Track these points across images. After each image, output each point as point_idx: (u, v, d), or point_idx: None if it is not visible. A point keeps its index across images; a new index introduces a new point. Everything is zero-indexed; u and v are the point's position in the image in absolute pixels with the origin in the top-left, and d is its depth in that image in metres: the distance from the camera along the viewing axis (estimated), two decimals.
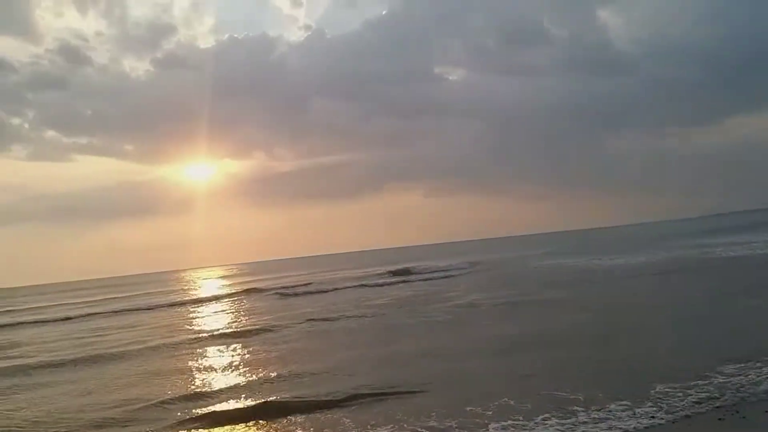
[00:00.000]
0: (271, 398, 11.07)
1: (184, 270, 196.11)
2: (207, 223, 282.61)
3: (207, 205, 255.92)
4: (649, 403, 8.81)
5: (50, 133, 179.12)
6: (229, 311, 31.47)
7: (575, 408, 8.89)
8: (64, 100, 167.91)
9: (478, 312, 21.17)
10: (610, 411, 8.66)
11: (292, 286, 43.58)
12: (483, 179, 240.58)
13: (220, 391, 12.28)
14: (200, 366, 15.50)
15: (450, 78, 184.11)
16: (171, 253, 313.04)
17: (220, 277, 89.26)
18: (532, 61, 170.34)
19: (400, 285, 37.67)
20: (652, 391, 9.27)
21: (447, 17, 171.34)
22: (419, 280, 40.36)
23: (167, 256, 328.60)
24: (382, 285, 38.99)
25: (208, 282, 76.24)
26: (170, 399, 11.75)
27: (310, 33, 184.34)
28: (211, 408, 10.90)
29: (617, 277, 29.56)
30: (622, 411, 8.61)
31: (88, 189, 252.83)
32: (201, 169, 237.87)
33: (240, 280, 70.13)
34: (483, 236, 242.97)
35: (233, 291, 45.87)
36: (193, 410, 10.80)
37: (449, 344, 15.53)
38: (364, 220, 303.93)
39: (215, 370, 14.88)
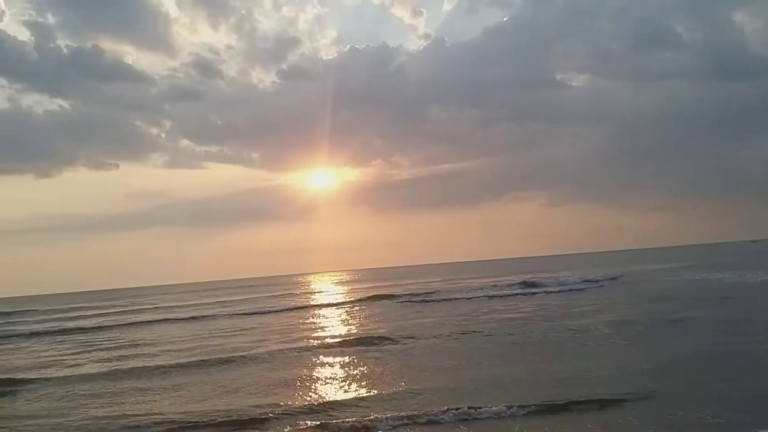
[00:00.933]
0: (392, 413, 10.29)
1: (305, 274, 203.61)
2: (326, 229, 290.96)
3: (326, 211, 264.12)
4: None
5: (185, 142, 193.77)
6: (353, 317, 31.10)
7: None
8: (198, 110, 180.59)
9: (616, 329, 18.84)
10: None
11: (416, 294, 42.67)
12: (605, 189, 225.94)
13: (343, 402, 11.72)
14: (324, 374, 15.13)
15: (573, 84, 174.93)
16: (292, 257, 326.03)
17: (341, 283, 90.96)
18: (661, 66, 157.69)
19: (529, 296, 35.56)
20: None
21: (571, 22, 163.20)
22: (549, 292, 37.95)
23: (288, 261, 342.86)
24: (509, 296, 37.10)
25: (329, 287, 77.71)
26: (294, 407, 11.46)
27: (429, 42, 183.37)
28: (331, 420, 10.32)
29: None
30: None
31: (218, 195, 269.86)
32: (321, 177, 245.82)
33: (361, 285, 70.75)
34: (606, 248, 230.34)
35: (357, 297, 45.88)
36: (308, 421, 10.42)
37: (584, 365, 13.80)
38: (482, 229, 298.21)
39: (338, 379, 14.36)
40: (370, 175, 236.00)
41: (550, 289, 39.78)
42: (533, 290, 40.12)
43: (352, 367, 15.62)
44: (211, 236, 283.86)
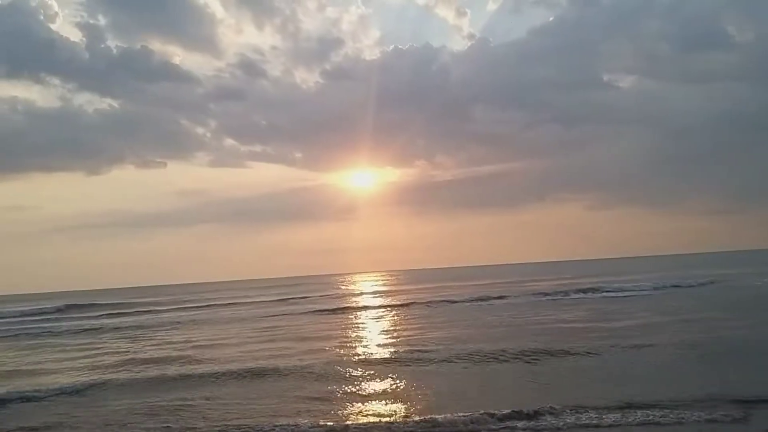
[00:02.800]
0: None
1: (348, 274, 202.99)
2: (368, 229, 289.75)
3: (368, 211, 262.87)
4: None
5: (229, 142, 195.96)
6: (420, 323, 28.42)
7: None
8: (242, 110, 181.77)
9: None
10: None
11: (482, 299, 40.07)
12: (653, 192, 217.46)
13: None
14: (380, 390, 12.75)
15: (620, 85, 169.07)
16: (333, 256, 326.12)
17: (388, 284, 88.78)
18: (712, 67, 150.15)
19: (597, 301, 32.60)
20: None
21: (618, 22, 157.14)
22: (616, 297, 34.97)
23: (330, 260, 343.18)
24: (572, 300, 34.24)
25: (379, 288, 75.45)
26: None
27: (473, 42, 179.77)
28: None
29: None
30: None
31: (261, 194, 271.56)
32: (364, 177, 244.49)
33: (409, 287, 68.52)
34: (657, 252, 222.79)
35: (410, 299, 43.53)
36: None
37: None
38: (525, 231, 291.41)
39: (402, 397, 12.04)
40: (413, 175, 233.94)
41: (614, 294, 36.68)
42: (598, 295, 37.33)
43: (403, 387, 13.25)
44: (254, 234, 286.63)
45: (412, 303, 39.30)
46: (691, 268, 71.14)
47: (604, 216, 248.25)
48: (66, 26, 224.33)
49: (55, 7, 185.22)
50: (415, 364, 15.69)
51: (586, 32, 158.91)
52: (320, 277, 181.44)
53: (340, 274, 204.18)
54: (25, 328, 36.67)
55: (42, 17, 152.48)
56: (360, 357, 17.57)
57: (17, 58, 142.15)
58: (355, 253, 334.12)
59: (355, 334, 24.29)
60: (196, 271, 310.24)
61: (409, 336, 22.14)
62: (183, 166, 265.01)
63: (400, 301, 42.91)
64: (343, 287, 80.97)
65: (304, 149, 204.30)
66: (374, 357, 17.47)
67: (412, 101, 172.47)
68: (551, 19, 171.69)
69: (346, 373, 14.99)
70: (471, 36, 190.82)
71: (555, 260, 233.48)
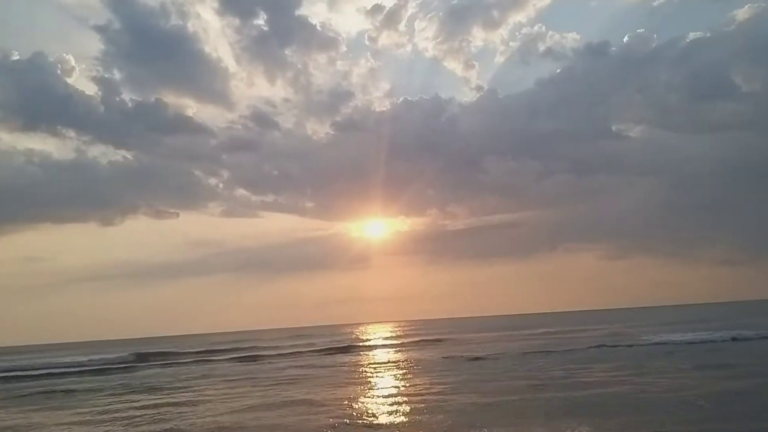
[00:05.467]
0: None
1: (362, 324, 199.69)
2: (380, 278, 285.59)
3: (380, 261, 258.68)
4: None
5: (241, 192, 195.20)
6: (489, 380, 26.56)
7: None
8: (254, 161, 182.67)
9: None
10: None
11: (527, 351, 38.02)
12: (666, 241, 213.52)
13: None
14: None
15: (629, 135, 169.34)
16: (345, 306, 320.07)
17: (410, 334, 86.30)
18: (721, 117, 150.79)
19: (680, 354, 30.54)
20: None
21: (626, 73, 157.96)
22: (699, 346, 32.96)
23: (341, 310, 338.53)
24: (644, 351, 32.17)
25: (402, 340, 73.15)
26: None
27: (482, 93, 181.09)
28: None
29: None
30: None
31: (272, 244, 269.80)
32: (375, 226, 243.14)
33: (443, 336, 66.26)
34: (676, 302, 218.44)
35: (454, 352, 41.56)
36: None
37: None
38: (538, 281, 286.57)
39: None
40: (425, 224, 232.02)
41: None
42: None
43: None
44: (267, 284, 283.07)
45: (452, 356, 37.37)
46: (732, 318, 68.58)
47: (618, 265, 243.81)
48: (82, 80, 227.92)
49: (72, 62, 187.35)
50: None
51: (593, 83, 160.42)
52: (338, 327, 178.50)
53: (357, 324, 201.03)
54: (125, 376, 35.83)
55: (59, 72, 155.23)
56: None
57: (34, 112, 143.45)
58: (369, 302, 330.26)
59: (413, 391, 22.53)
60: (209, 321, 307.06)
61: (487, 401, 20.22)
62: (195, 216, 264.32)
63: (442, 353, 40.98)
64: (367, 337, 78.69)
65: (315, 199, 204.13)
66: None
67: (423, 151, 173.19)
68: (558, 71, 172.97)
69: None
70: (479, 87, 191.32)
71: (570, 310, 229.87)
